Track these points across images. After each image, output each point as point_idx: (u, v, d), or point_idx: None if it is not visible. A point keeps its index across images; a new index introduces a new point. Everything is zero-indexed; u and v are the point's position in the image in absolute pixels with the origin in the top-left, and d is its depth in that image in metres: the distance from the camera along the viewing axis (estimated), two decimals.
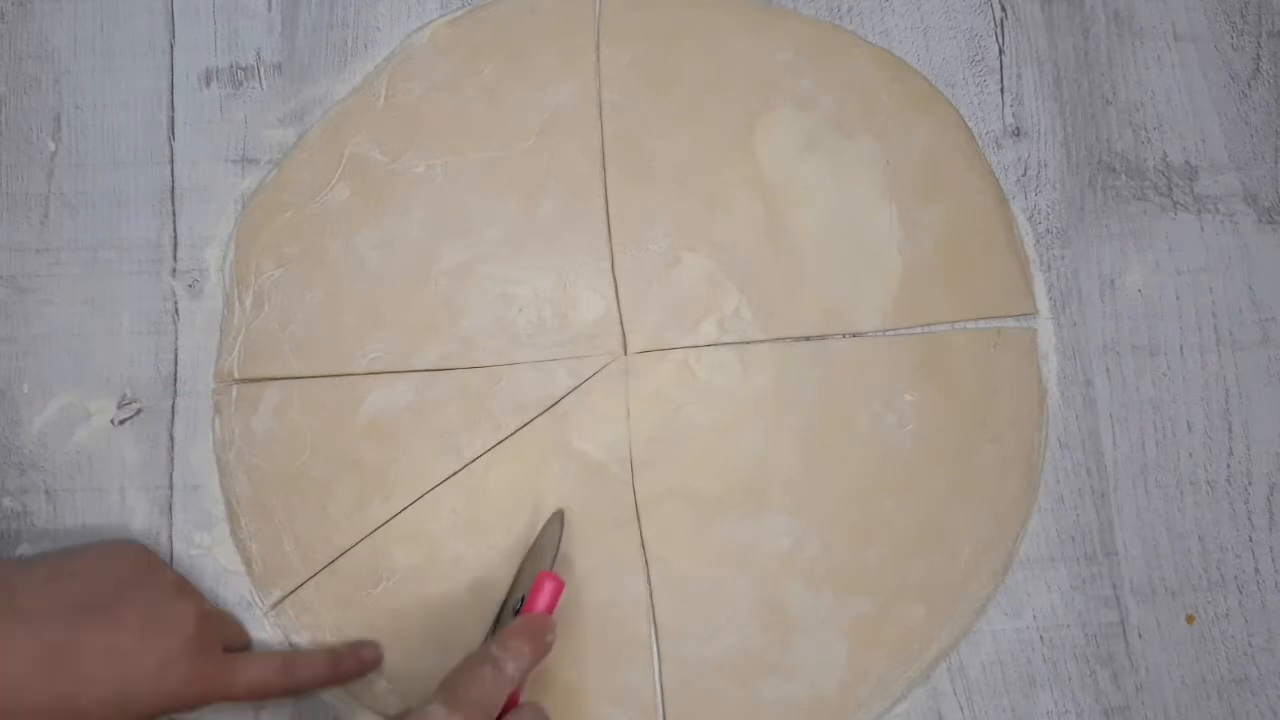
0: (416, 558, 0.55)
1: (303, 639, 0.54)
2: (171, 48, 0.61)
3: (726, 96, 0.61)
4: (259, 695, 0.51)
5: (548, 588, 0.50)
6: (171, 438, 0.57)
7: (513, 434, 0.57)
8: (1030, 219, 0.61)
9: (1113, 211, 0.61)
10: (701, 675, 0.54)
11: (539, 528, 0.55)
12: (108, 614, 0.48)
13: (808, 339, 0.58)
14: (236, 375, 0.57)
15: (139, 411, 0.57)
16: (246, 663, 0.51)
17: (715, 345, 0.58)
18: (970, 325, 0.59)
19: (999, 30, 0.63)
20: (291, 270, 0.58)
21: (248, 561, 0.55)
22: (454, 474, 0.56)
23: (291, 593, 0.55)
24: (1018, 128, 0.62)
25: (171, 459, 0.57)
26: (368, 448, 0.56)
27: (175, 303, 0.58)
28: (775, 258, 0.59)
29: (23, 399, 0.57)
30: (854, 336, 0.59)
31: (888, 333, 0.59)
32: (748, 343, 0.58)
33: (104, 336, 0.58)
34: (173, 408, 0.57)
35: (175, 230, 0.59)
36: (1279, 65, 0.64)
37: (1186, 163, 0.62)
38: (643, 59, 0.61)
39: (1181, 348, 0.60)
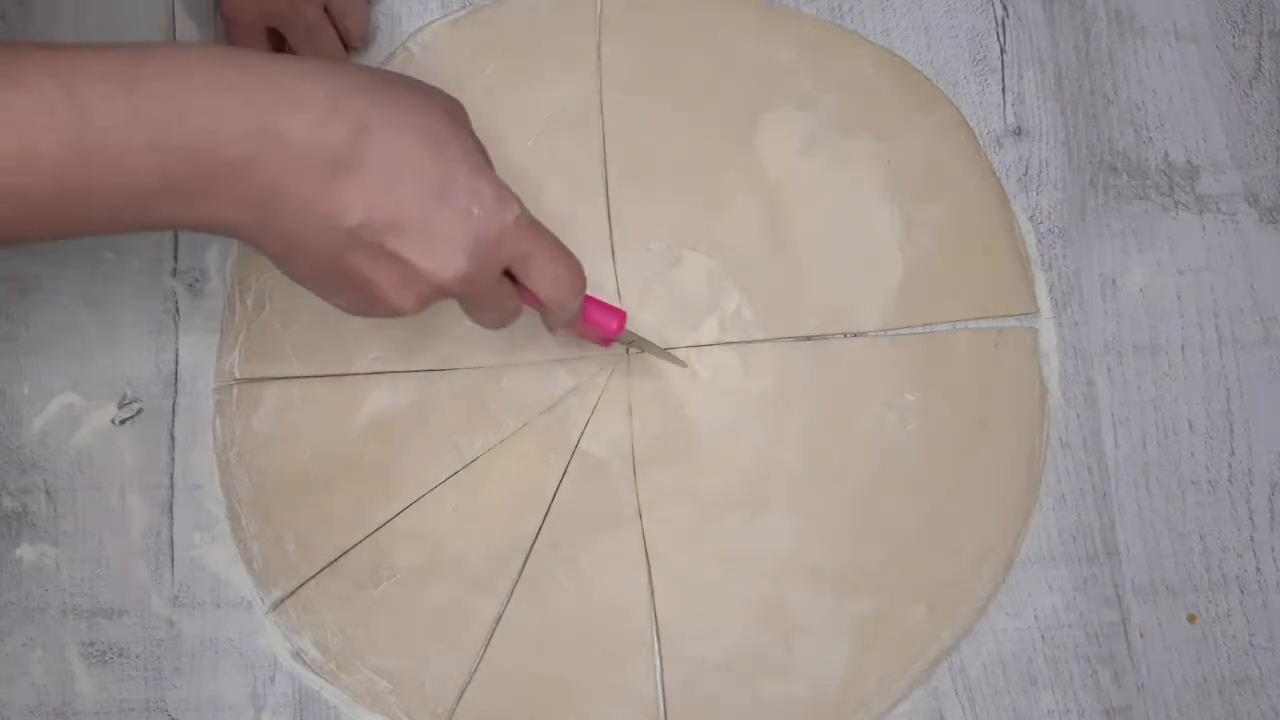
0: (417, 558, 0.55)
1: (304, 639, 0.54)
2: None
3: (728, 96, 0.61)
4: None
5: (614, 314, 0.52)
6: (172, 437, 0.57)
7: (513, 433, 0.57)
8: (1031, 218, 0.61)
9: (1114, 211, 0.61)
10: (703, 675, 0.54)
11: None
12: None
13: (809, 339, 0.58)
14: (237, 375, 0.57)
15: (139, 411, 0.57)
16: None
17: (716, 345, 0.58)
18: (972, 325, 0.59)
19: (1000, 29, 0.63)
20: None
21: (248, 561, 0.55)
22: (455, 474, 0.56)
23: (293, 592, 0.55)
24: (1019, 127, 0.62)
25: (172, 459, 0.56)
26: (369, 447, 0.56)
27: (175, 303, 0.58)
28: (776, 257, 0.59)
29: (23, 399, 0.57)
30: (855, 336, 0.59)
31: (889, 332, 0.59)
32: (749, 342, 0.58)
33: (104, 336, 0.58)
34: (173, 407, 0.57)
35: (175, 230, 0.59)
36: None
37: (1188, 162, 0.62)
38: (644, 59, 0.61)
39: (1183, 347, 0.60)
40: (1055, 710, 0.56)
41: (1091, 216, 0.61)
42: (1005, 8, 0.63)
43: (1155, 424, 0.59)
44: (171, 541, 0.56)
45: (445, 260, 0.43)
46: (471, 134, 0.46)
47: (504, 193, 0.45)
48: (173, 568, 0.55)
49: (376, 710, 0.54)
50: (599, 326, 0.53)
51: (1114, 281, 0.60)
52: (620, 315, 0.53)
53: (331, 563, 0.55)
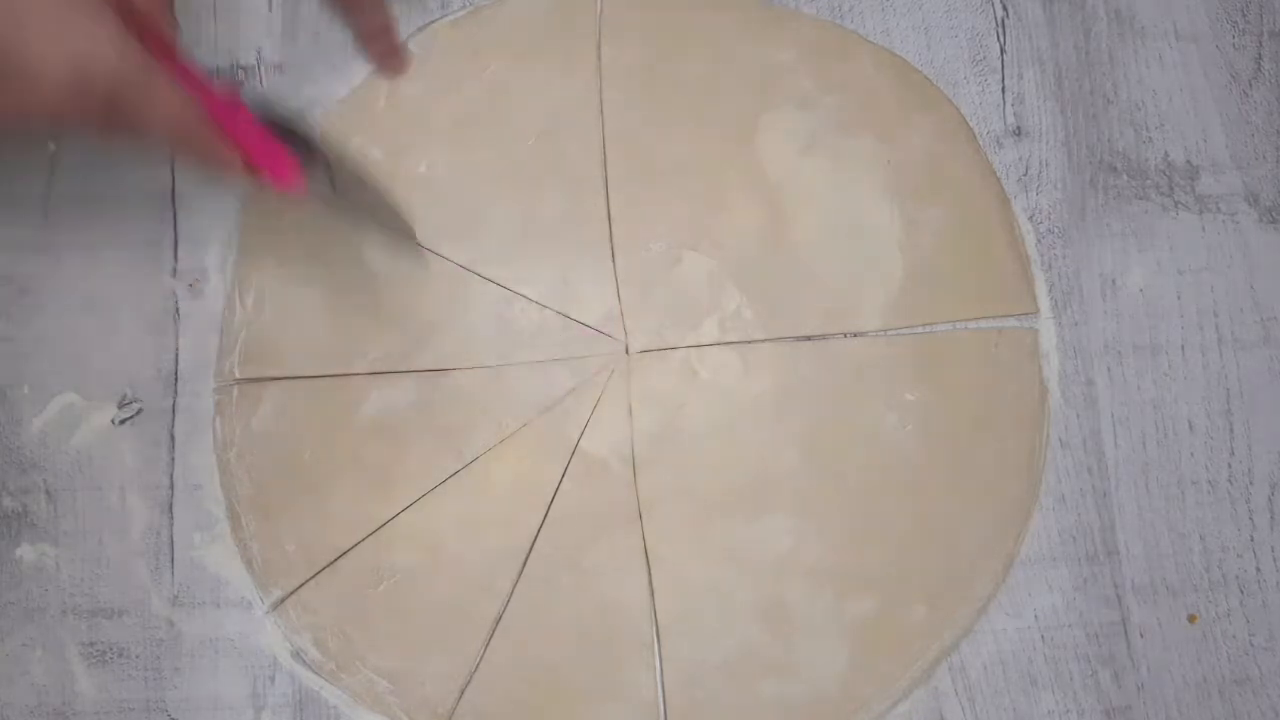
0: (417, 558, 0.55)
1: (304, 639, 0.54)
2: None
3: (728, 96, 0.61)
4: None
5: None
6: (172, 438, 0.57)
7: (514, 433, 0.57)
8: (1031, 218, 0.61)
9: (1114, 211, 0.61)
10: (703, 675, 0.54)
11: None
12: None
13: (809, 339, 0.58)
14: (237, 375, 0.57)
15: (139, 411, 0.57)
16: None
17: (716, 345, 0.58)
18: (971, 325, 0.59)
19: (1000, 30, 0.63)
20: (293, 270, 0.58)
21: (248, 561, 0.55)
22: (454, 474, 0.56)
23: (292, 593, 0.55)
24: (1019, 127, 0.62)
25: (172, 459, 0.57)
26: (369, 447, 0.56)
27: (175, 303, 0.58)
28: (776, 257, 0.59)
29: (23, 399, 0.57)
30: (855, 336, 0.59)
31: (889, 332, 0.59)
32: (749, 342, 0.58)
33: (104, 336, 0.58)
34: (173, 408, 0.57)
35: (175, 230, 0.59)
36: None
37: (1188, 162, 0.62)
38: (644, 59, 0.61)
39: (1183, 347, 0.60)
40: (1055, 710, 0.56)
41: (1091, 216, 0.61)
42: (1005, 8, 0.63)
43: (1155, 424, 0.59)
44: (171, 541, 0.56)
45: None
46: None
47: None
48: (173, 568, 0.55)
49: (376, 710, 0.54)
50: (263, 165, 0.45)
51: (1114, 281, 0.60)
52: (288, 166, 0.45)
53: (331, 563, 0.55)
